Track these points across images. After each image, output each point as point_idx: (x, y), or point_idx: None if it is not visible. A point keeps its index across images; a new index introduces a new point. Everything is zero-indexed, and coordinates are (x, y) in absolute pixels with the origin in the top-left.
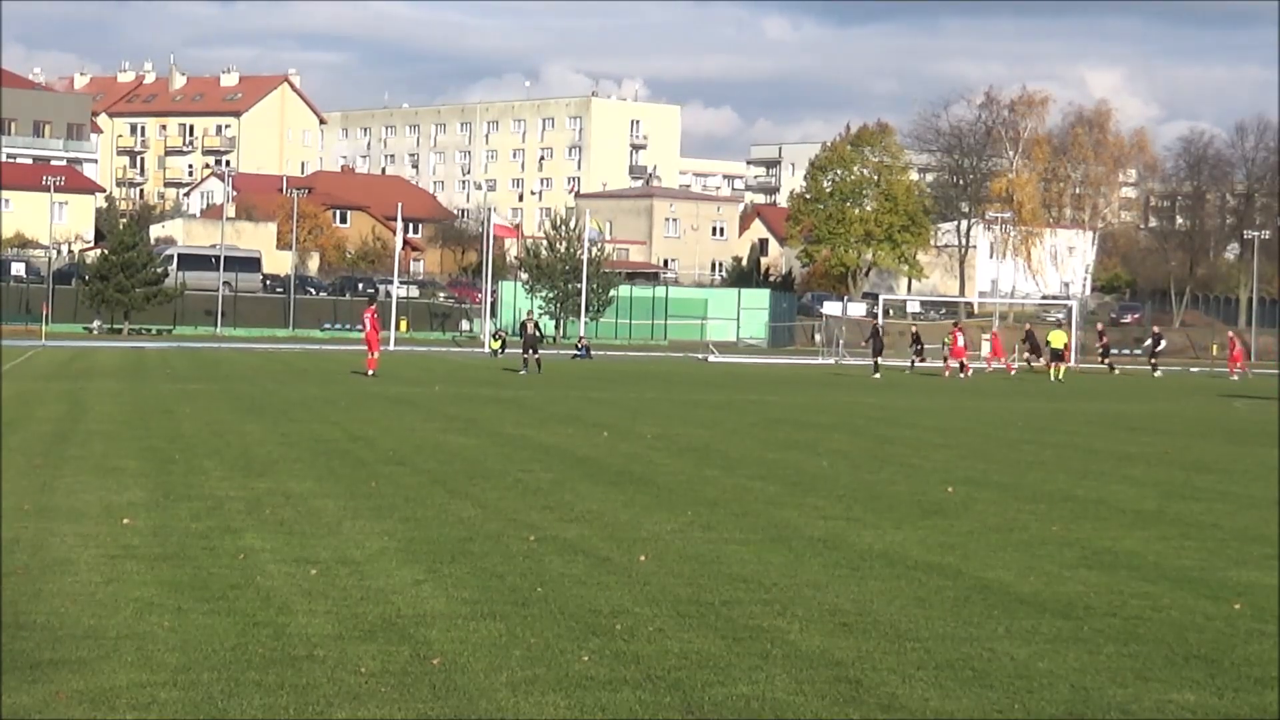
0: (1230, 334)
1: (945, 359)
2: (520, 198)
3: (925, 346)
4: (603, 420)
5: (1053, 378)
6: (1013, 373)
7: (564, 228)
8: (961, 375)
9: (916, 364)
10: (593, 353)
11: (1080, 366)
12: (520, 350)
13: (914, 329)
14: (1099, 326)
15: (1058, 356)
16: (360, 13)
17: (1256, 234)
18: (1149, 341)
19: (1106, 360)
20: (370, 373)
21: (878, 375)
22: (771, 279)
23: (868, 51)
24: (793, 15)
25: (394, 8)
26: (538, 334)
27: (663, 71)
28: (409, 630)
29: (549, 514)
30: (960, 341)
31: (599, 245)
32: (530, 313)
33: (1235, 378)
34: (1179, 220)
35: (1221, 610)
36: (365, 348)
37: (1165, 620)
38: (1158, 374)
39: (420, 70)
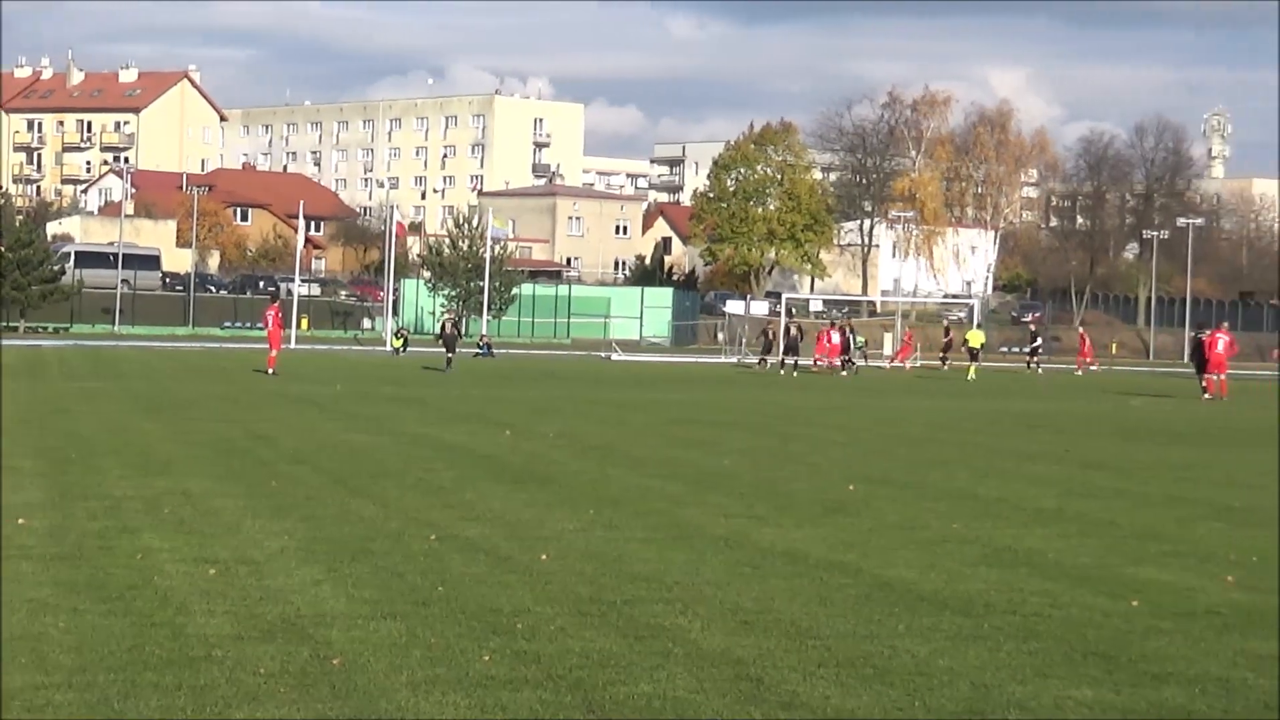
0: (1080, 330)
1: (815, 358)
2: (423, 195)
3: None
4: (505, 419)
5: (969, 376)
6: (907, 368)
7: (466, 226)
8: (844, 373)
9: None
10: (495, 351)
11: (994, 365)
12: (442, 350)
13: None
14: (1032, 326)
15: (974, 356)
16: (265, 9)
17: (1155, 234)
18: (1037, 342)
19: (1034, 360)
20: (270, 370)
21: (795, 373)
22: (675, 277)
23: (774, 51)
24: (699, 14)
25: (300, 6)
26: (456, 334)
27: (568, 70)
28: (309, 630)
29: (450, 513)
30: (835, 339)
31: (502, 243)
32: (450, 311)
33: (1080, 372)
34: (1079, 220)
35: (1119, 607)
36: (267, 345)
37: (1064, 617)
38: (1039, 372)
39: (325, 68)
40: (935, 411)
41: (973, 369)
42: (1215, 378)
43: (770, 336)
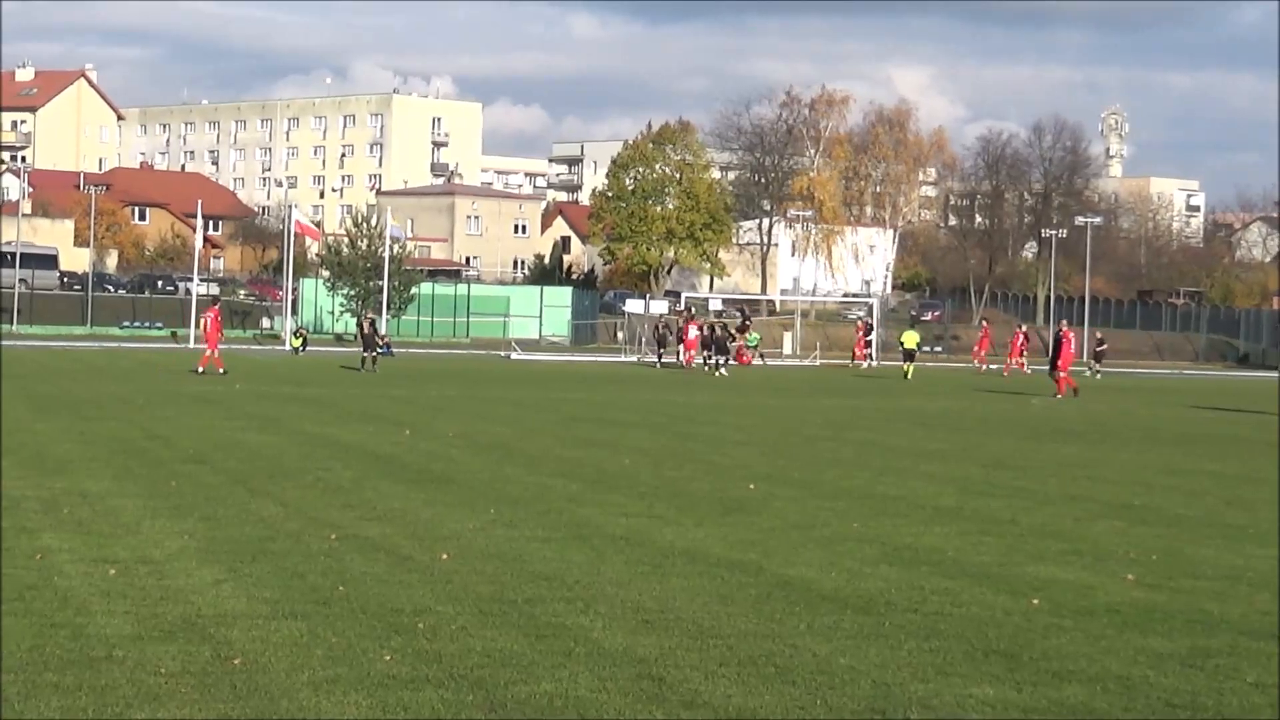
0: (984, 323)
1: (678, 353)
2: (321, 195)
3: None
4: (404, 418)
5: (906, 375)
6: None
7: (365, 225)
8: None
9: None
10: (394, 350)
11: (885, 364)
12: (360, 349)
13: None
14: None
15: (910, 356)
16: (163, 8)
17: (1054, 233)
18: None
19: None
20: (200, 369)
21: (723, 372)
22: (574, 277)
23: (677, 50)
24: (601, 13)
25: (199, 5)
26: (375, 333)
27: (472, 69)
28: (209, 630)
29: (350, 513)
30: (691, 334)
31: (400, 243)
32: (368, 312)
33: (983, 370)
34: (978, 219)
35: (1020, 606)
36: (204, 346)
37: (965, 616)
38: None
39: (225, 67)
40: (834, 410)
41: (909, 369)
42: (1064, 375)
43: (668, 332)
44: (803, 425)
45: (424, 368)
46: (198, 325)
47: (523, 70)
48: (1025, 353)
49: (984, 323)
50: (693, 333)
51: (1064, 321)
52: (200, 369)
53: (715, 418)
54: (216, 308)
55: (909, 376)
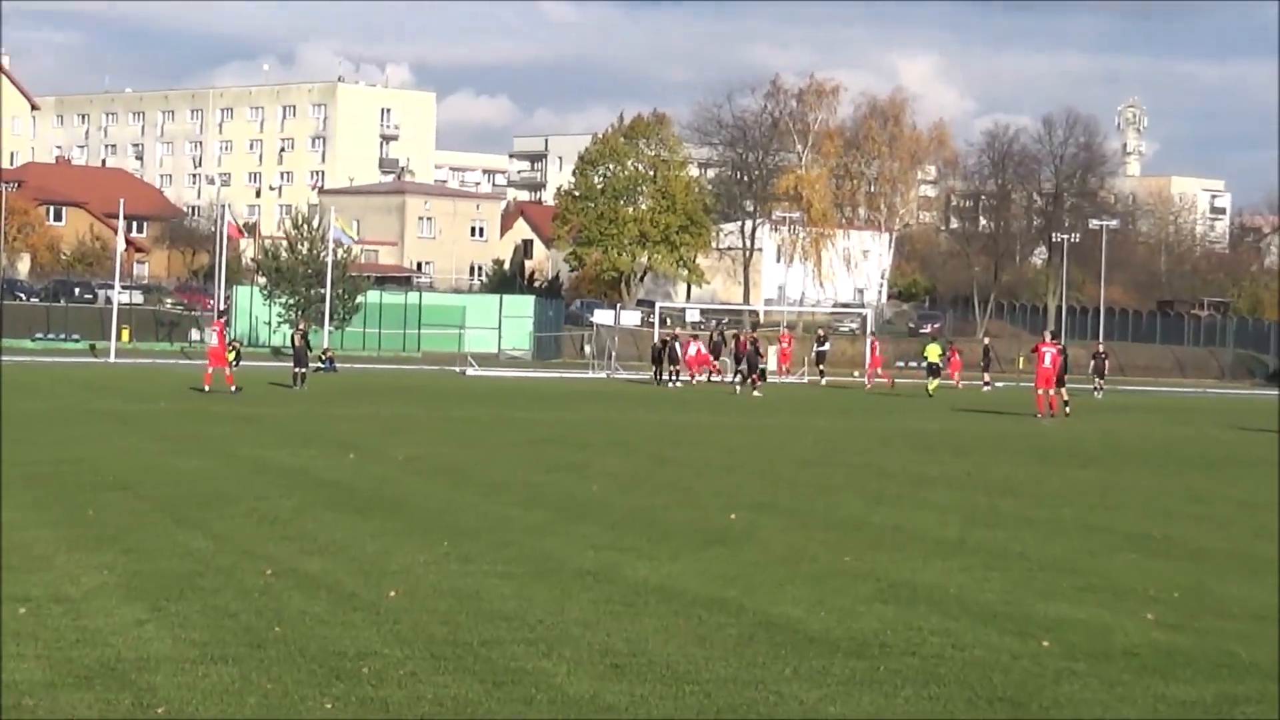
0: (952, 345)
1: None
2: (258, 194)
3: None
4: (349, 440)
5: (930, 392)
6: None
7: (306, 227)
8: (755, 393)
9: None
10: (338, 365)
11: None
12: (291, 364)
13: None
14: (1099, 347)
15: (934, 371)
16: None
17: (1065, 237)
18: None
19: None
20: (206, 388)
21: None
22: (537, 284)
23: (660, 35)
24: None
25: None
26: (308, 347)
27: (432, 56)
28: (130, 676)
29: (289, 545)
30: (691, 351)
31: (345, 247)
32: (301, 324)
33: (961, 386)
34: (982, 221)
35: (1028, 648)
36: (206, 362)
37: (968, 659)
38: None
39: (162, 54)
40: (826, 431)
41: (933, 385)
42: (1044, 393)
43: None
44: (791, 448)
45: (371, 384)
46: (119, 338)
47: (490, 57)
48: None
49: (952, 345)
50: (692, 349)
51: (1046, 332)
52: (206, 387)
53: (694, 439)
54: (223, 321)
55: (932, 393)
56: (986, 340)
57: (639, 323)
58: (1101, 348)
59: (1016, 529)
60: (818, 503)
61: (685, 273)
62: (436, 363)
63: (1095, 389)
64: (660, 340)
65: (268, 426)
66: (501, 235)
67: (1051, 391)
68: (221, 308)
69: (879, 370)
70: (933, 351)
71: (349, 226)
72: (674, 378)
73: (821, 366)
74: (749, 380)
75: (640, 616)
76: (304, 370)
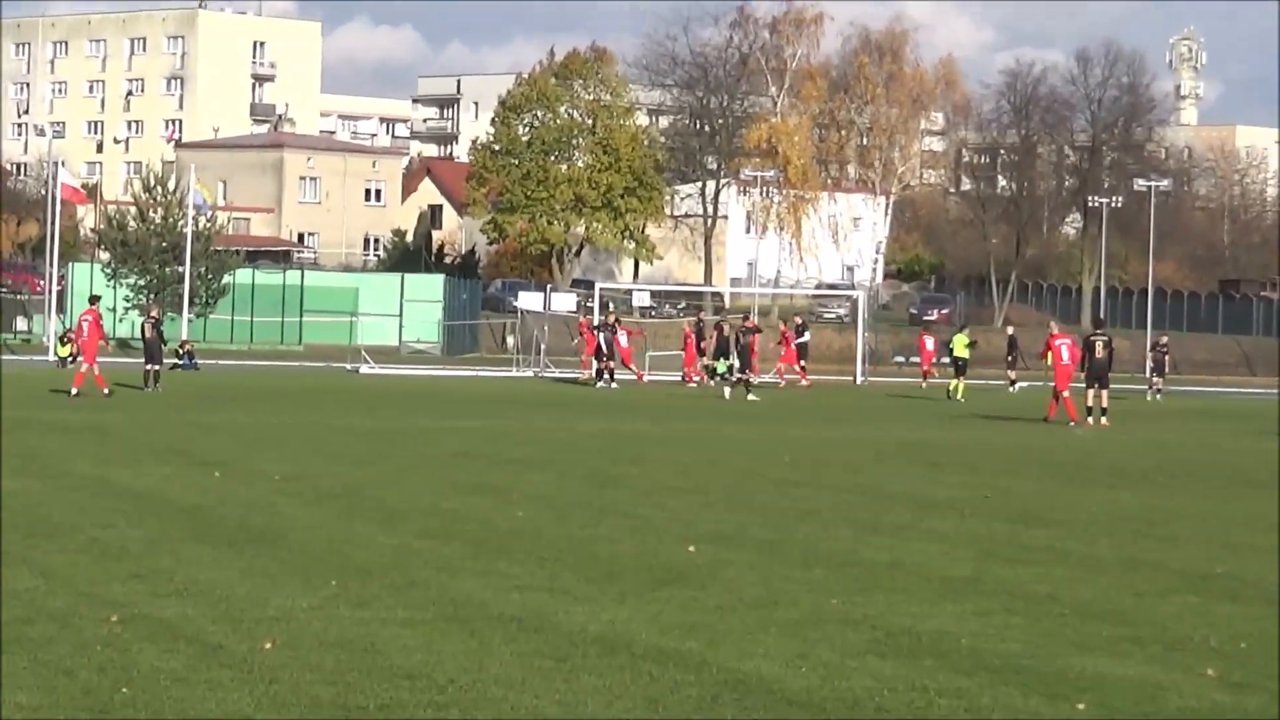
0: (921, 332)
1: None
2: (99, 148)
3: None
4: (214, 454)
5: (951, 393)
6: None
7: (160, 190)
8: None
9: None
10: (199, 361)
11: (879, 380)
12: (142, 361)
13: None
14: (1159, 339)
15: (960, 368)
16: None
17: (1105, 201)
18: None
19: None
20: (75, 391)
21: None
22: (447, 261)
23: None
24: None
25: None
26: (160, 338)
27: None
28: None
29: (138, 585)
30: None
31: (208, 214)
32: (153, 310)
33: (924, 385)
34: (1001, 182)
35: (1060, 711)
36: (79, 359)
37: None
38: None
39: None
40: (808, 443)
41: (959, 386)
42: (1064, 398)
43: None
44: (767, 464)
45: (241, 385)
46: None
47: None
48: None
49: (921, 332)
50: (623, 339)
51: (1053, 322)
52: (75, 390)
53: (646, 453)
54: (96, 308)
55: (959, 395)
56: (1011, 330)
57: (574, 308)
58: (1163, 339)
59: (1044, 565)
60: (798, 533)
61: (632, 246)
62: (322, 358)
63: (1152, 390)
64: (720, 327)
65: (112, 438)
66: (403, 200)
67: (1092, 393)
68: (93, 293)
69: (931, 366)
70: (959, 344)
71: (213, 189)
72: (608, 377)
73: (802, 362)
74: (741, 380)
75: (577, 673)
76: (157, 367)
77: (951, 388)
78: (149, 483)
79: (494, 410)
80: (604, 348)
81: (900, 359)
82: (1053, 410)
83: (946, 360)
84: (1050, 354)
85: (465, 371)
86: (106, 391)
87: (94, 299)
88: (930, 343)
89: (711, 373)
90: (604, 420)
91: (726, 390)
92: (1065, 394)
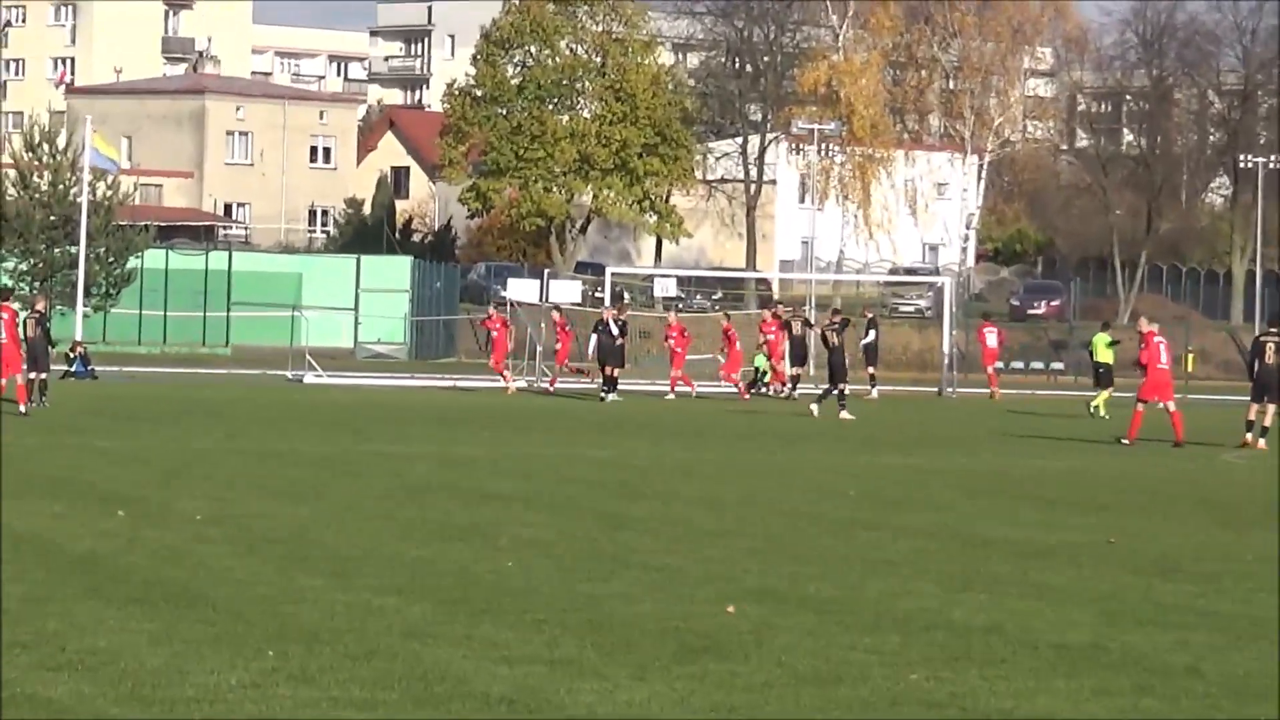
0: (981, 323)
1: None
2: None
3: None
4: (117, 489)
5: (1093, 409)
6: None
7: (46, 149)
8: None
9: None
10: (96, 368)
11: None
12: (25, 369)
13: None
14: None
15: (1103, 377)
16: None
17: (1260, 162)
18: None
19: None
20: (22, 408)
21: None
22: (416, 238)
23: None
24: None
25: None
26: (47, 338)
27: None
28: None
29: (20, 656)
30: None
31: (110, 179)
32: (39, 303)
33: (995, 395)
34: (1128, 137)
35: None
36: None
37: None
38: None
39: None
40: (877, 473)
41: (1102, 399)
42: (1142, 406)
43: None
44: (826, 501)
45: (150, 397)
46: None
47: None
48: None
49: (980, 324)
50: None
51: (1143, 320)
52: (22, 407)
53: (671, 487)
54: (9, 304)
55: (1101, 411)
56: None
57: (579, 300)
58: None
59: (1185, 628)
60: (866, 588)
61: (653, 219)
62: (255, 363)
63: None
64: (789, 322)
65: None
66: (359, 161)
67: (1256, 408)
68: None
69: (993, 371)
70: (1100, 346)
71: (115, 147)
72: (608, 387)
73: (871, 370)
74: (834, 391)
75: None
76: (43, 376)
77: (1094, 404)
78: (33, 524)
79: (475, 431)
80: (601, 349)
81: (998, 364)
82: (1134, 429)
83: (1058, 365)
84: (1147, 353)
85: (439, 381)
86: (24, 409)
87: (4, 292)
88: (993, 337)
89: (754, 381)
90: (617, 443)
91: (814, 407)
92: (1142, 406)
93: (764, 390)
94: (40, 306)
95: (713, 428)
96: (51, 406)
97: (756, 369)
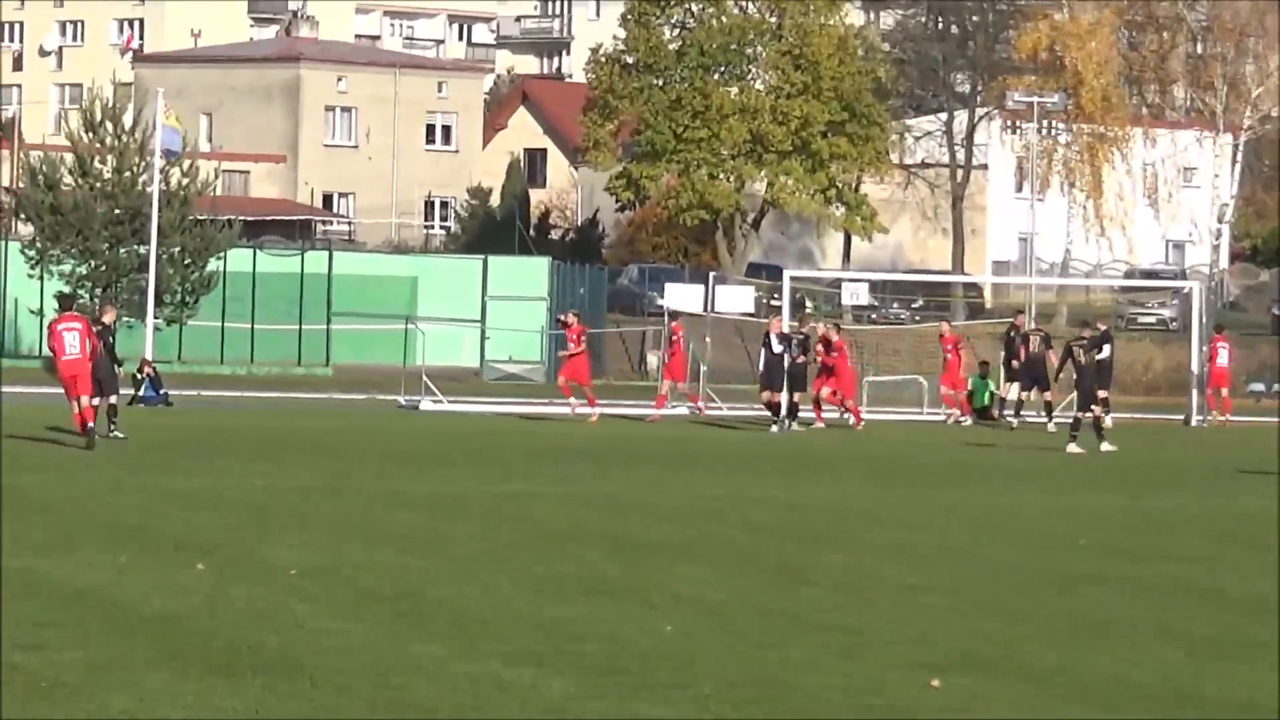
0: (1214, 336)
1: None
2: (16, 63)
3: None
4: (196, 537)
5: None
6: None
7: (111, 129)
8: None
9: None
10: (170, 392)
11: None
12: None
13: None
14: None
15: None
16: None
17: None
18: None
19: None
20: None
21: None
22: (555, 234)
23: None
24: None
25: None
26: (113, 355)
27: None
28: None
29: None
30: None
31: (186, 163)
32: (106, 312)
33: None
34: None
35: None
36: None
37: None
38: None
39: None
40: (1112, 518)
41: None
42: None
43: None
44: (1049, 551)
45: (235, 429)
46: None
47: None
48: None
49: (1214, 337)
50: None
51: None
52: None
53: (857, 534)
54: (78, 313)
55: None
56: None
57: (751, 309)
58: None
59: None
60: (1096, 655)
61: (840, 212)
62: (361, 386)
63: None
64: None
65: (40, 509)
66: (486, 142)
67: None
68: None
69: (1223, 393)
70: None
71: (192, 126)
72: (786, 417)
73: (1103, 393)
74: (1089, 414)
75: None
76: (110, 400)
77: None
78: (94, 578)
79: (622, 467)
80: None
81: (1258, 386)
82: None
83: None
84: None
85: (583, 408)
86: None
87: (66, 299)
88: (1225, 353)
89: (985, 408)
90: (793, 482)
91: (1072, 447)
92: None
93: (998, 416)
94: (108, 318)
95: (908, 463)
96: (121, 439)
97: (991, 394)
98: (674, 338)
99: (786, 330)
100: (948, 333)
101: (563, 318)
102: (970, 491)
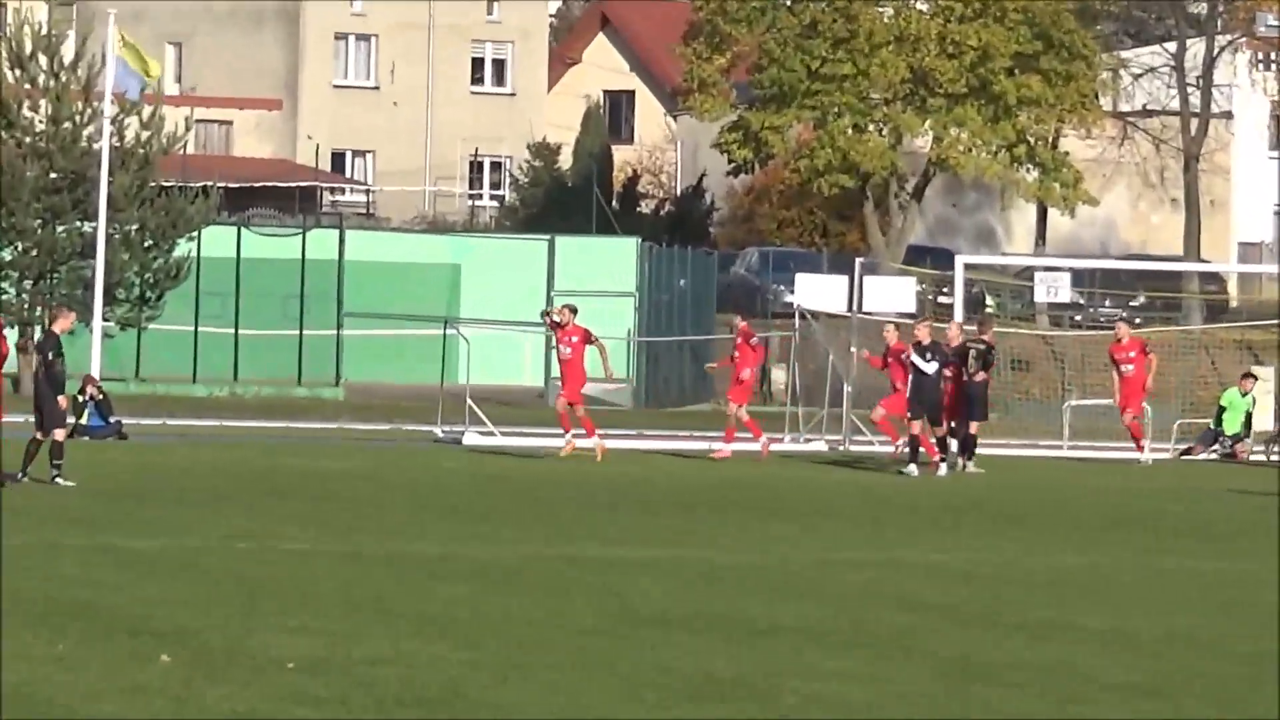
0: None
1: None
2: None
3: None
4: (160, 617)
5: None
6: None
7: (46, 64)
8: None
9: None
10: (123, 421)
11: None
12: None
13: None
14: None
15: None
16: None
17: None
18: None
19: None
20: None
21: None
22: (646, 206)
23: None
24: None
25: None
26: (51, 376)
27: None
28: None
29: None
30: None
31: (147, 110)
32: (62, 319)
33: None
34: None
35: None
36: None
37: None
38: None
39: None
40: None
41: None
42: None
43: None
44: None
45: (212, 469)
46: None
47: None
48: None
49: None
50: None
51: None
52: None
53: (1047, 612)
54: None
55: None
56: None
57: (912, 308)
58: None
59: None
60: None
61: (1033, 177)
62: (382, 412)
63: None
64: None
65: None
66: (552, 84)
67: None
68: None
69: None
70: None
71: (156, 60)
72: (959, 453)
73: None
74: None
75: None
76: (55, 436)
77: None
78: (24, 673)
79: (728, 521)
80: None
81: None
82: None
83: None
84: None
85: (683, 443)
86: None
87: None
88: None
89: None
90: (957, 541)
91: None
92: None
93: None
94: (60, 326)
95: (1110, 514)
96: (66, 486)
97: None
98: (739, 341)
99: (936, 338)
100: (1126, 338)
101: (553, 314)
102: (1193, 554)
